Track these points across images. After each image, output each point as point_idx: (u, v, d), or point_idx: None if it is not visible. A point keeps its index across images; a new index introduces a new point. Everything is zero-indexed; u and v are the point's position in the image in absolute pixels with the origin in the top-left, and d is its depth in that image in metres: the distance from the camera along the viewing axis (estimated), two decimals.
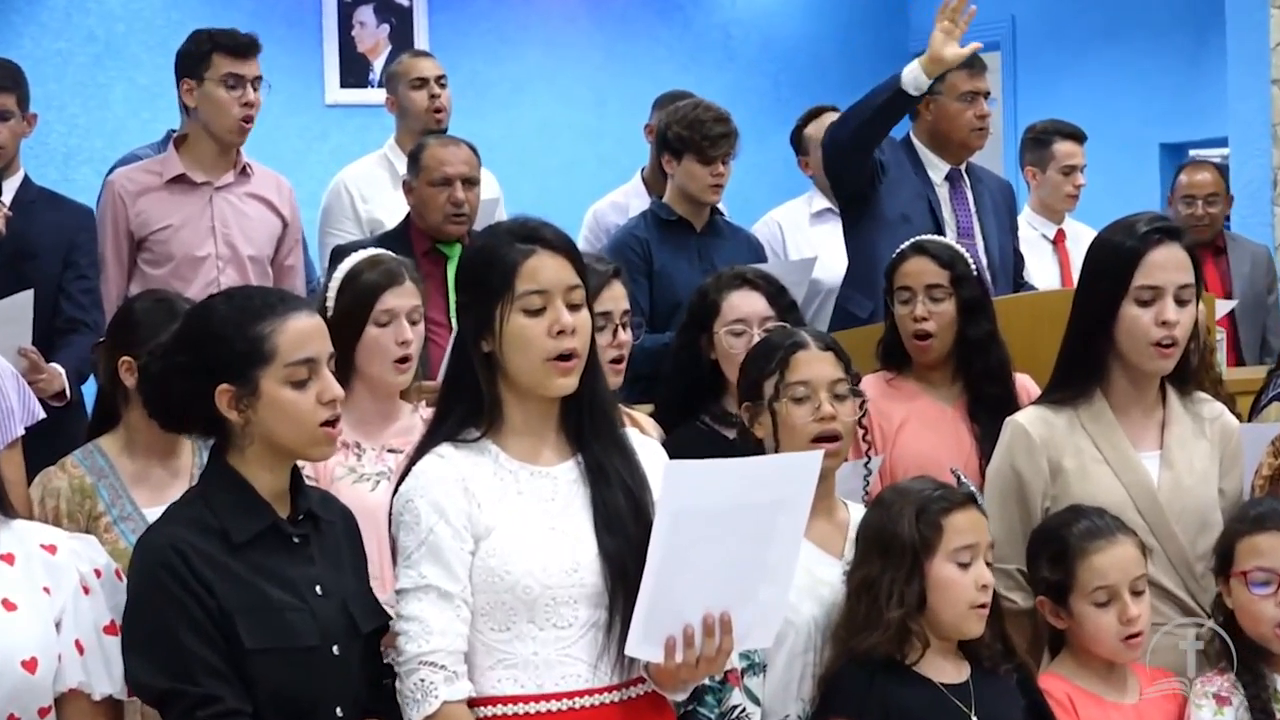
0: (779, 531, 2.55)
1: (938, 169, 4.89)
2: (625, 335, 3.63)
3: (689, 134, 4.79)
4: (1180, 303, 3.10)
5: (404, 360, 3.42)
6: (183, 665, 2.44)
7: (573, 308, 2.57)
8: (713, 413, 3.77)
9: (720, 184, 4.85)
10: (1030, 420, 3.19)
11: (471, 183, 4.62)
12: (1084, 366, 3.17)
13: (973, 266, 3.91)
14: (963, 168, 4.93)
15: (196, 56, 4.74)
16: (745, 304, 3.80)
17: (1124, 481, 3.14)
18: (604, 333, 3.47)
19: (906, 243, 3.98)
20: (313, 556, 2.59)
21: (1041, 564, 3.06)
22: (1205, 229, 5.99)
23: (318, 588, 2.56)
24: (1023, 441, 3.16)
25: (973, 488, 2.97)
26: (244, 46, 4.73)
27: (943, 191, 4.87)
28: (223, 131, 4.75)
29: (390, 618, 2.68)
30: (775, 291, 3.86)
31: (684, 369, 3.83)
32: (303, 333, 2.57)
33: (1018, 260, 5.12)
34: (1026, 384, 3.88)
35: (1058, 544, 3.04)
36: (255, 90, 4.74)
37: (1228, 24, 7.11)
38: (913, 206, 4.76)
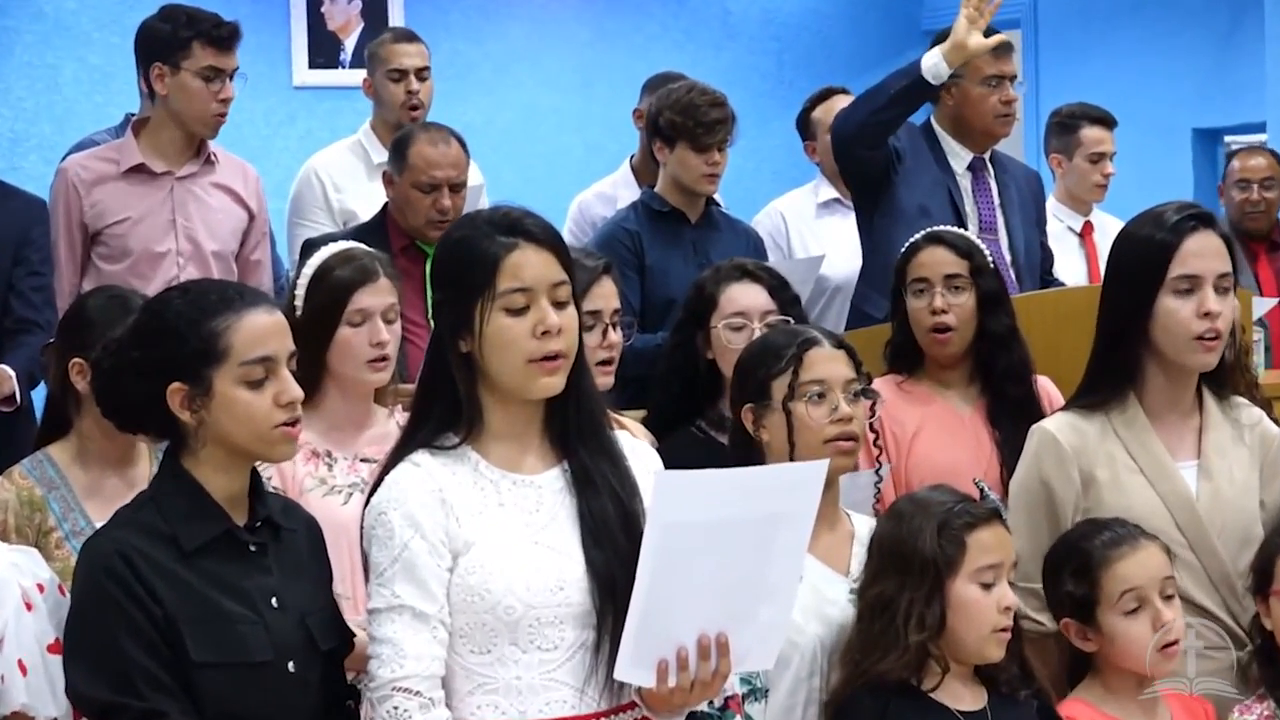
0: (780, 547, 2.55)
1: (960, 158, 4.88)
2: (615, 336, 3.63)
3: (682, 120, 4.78)
4: (1220, 292, 3.11)
5: (379, 362, 3.42)
6: (126, 677, 2.45)
7: (558, 305, 2.57)
8: (709, 417, 3.78)
9: (716, 174, 4.84)
10: (1059, 427, 3.18)
11: (458, 187, 4.60)
12: (1116, 367, 3.16)
13: (990, 258, 3.91)
14: (986, 156, 4.93)
15: (174, 41, 4.72)
16: (745, 296, 3.81)
17: (1160, 492, 3.14)
18: (593, 333, 3.47)
19: (919, 234, 3.99)
20: (270, 566, 2.60)
21: (1064, 579, 3.05)
22: (1261, 217, 5.99)
23: (274, 599, 2.57)
24: (1052, 450, 3.16)
25: (997, 500, 2.98)
26: (228, 38, 4.72)
27: (965, 182, 4.87)
28: (195, 125, 4.75)
29: (354, 634, 2.70)
30: (777, 284, 3.87)
31: (678, 369, 3.84)
32: (259, 330, 2.58)
33: (1046, 256, 5.12)
34: (1047, 387, 3.88)
35: (1080, 556, 3.04)
36: (231, 82, 4.75)
37: (1266, 0, 7.12)
38: (932, 197, 4.76)
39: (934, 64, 4.65)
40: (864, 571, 3.00)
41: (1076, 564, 3.05)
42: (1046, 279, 5.09)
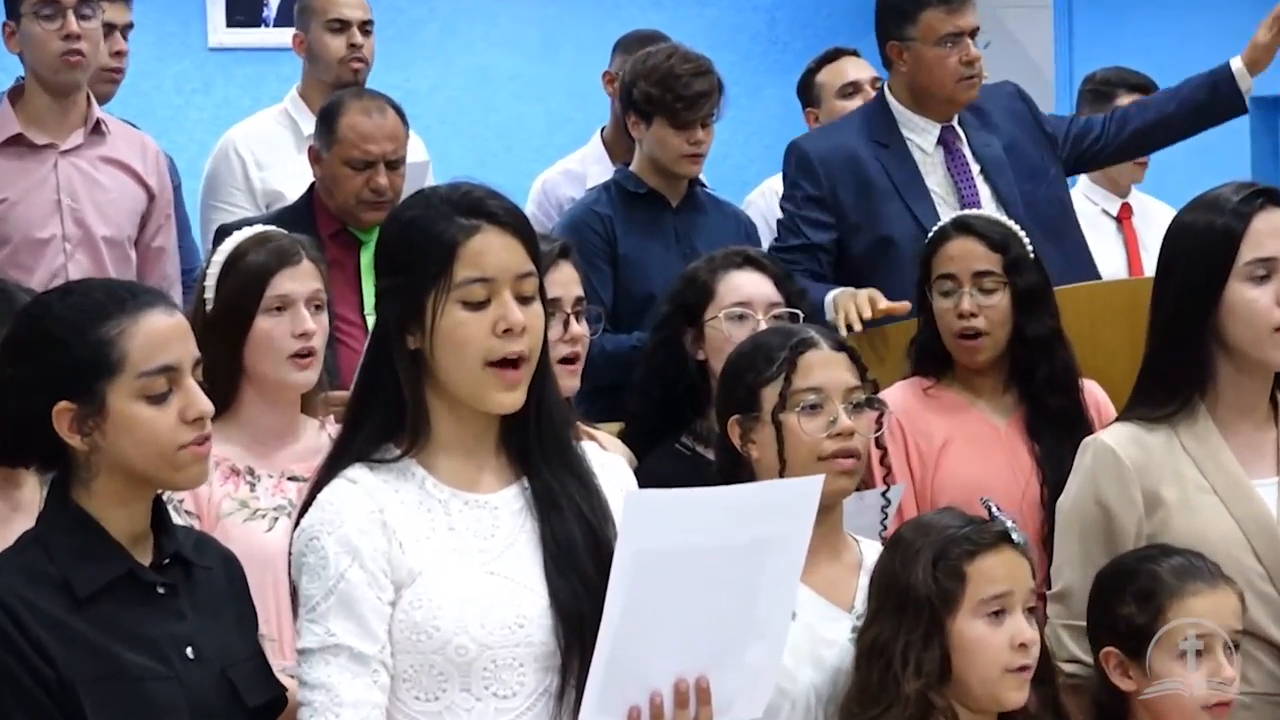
0: (770, 577, 2.55)
1: (926, 133, 4.82)
2: (579, 327, 3.64)
3: (659, 92, 4.76)
4: None
5: (304, 356, 3.42)
6: None
7: (523, 300, 2.57)
8: (695, 431, 3.78)
9: (700, 153, 4.82)
10: (1119, 441, 3.18)
11: (396, 164, 4.60)
12: (1180, 372, 3.17)
13: (1029, 248, 3.91)
14: (955, 122, 4.85)
15: None
16: (749, 285, 3.84)
17: (1236, 515, 3.14)
18: (552, 324, 3.46)
19: (947, 219, 3.99)
20: (182, 611, 2.58)
21: (1123, 600, 3.04)
22: None
23: (189, 650, 2.55)
24: (1112, 468, 3.16)
25: (1009, 522, 2.97)
26: None
27: (935, 161, 4.81)
28: (47, 76, 4.74)
29: (285, 688, 2.68)
30: (783, 275, 3.90)
31: (661, 373, 3.86)
32: (158, 334, 2.55)
33: (1073, 130, 5.01)
34: (1094, 393, 3.88)
35: (1147, 579, 3.03)
36: (87, 19, 4.72)
37: None
38: (894, 224, 4.67)
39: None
40: (864, 610, 3.01)
41: (1142, 587, 3.03)
42: (1084, 139, 5.00)
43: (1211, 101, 5.00)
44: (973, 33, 4.80)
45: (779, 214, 5.11)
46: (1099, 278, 4.87)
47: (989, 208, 4.61)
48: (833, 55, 5.81)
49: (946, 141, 4.83)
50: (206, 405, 2.57)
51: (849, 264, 4.73)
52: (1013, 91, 5.05)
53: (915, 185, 4.76)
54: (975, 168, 4.81)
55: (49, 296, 2.65)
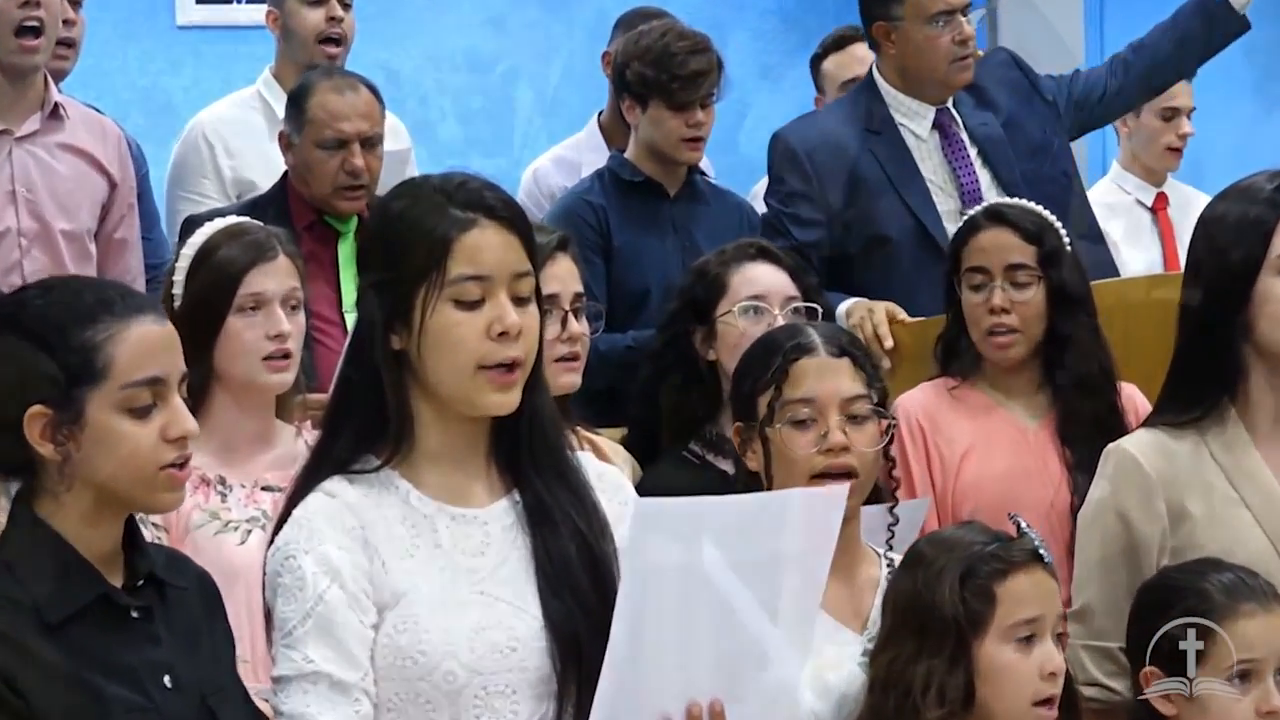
0: (790, 592, 2.55)
1: (920, 118, 4.79)
2: (578, 325, 3.64)
3: (654, 72, 4.75)
4: None
5: (280, 360, 3.42)
6: None
7: (519, 301, 2.57)
8: (704, 437, 3.78)
9: (699, 135, 4.81)
10: (1142, 448, 3.17)
11: (373, 142, 4.61)
12: (1208, 374, 3.16)
13: (1067, 240, 3.90)
14: (950, 103, 4.83)
15: None
16: (765, 277, 3.83)
17: (1269, 531, 3.14)
18: (550, 322, 3.44)
19: (977, 209, 3.98)
20: (158, 636, 2.56)
21: (1168, 620, 3.01)
22: None
23: (167, 678, 2.54)
24: (1134, 478, 3.16)
25: (1038, 540, 2.96)
26: None
27: (929, 147, 4.77)
28: (5, 54, 4.73)
29: (266, 717, 2.67)
30: (799, 268, 3.90)
31: (668, 375, 3.85)
32: (148, 343, 2.54)
33: (1075, 87, 4.99)
34: (1134, 397, 3.87)
35: (1196, 598, 3.01)
36: None
37: None
38: (888, 220, 4.66)
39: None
40: (878, 631, 3.00)
41: (1190, 606, 3.01)
42: (1087, 100, 4.99)
43: (1207, 29, 4.98)
44: (964, 9, 4.76)
45: None
46: (1108, 254, 4.87)
47: (989, 193, 4.61)
48: (843, 40, 5.80)
49: (942, 125, 4.81)
50: (191, 425, 2.56)
51: (843, 261, 4.71)
52: (1006, 60, 5.03)
53: (910, 176, 4.74)
54: (973, 151, 4.79)
55: (27, 293, 2.63)
